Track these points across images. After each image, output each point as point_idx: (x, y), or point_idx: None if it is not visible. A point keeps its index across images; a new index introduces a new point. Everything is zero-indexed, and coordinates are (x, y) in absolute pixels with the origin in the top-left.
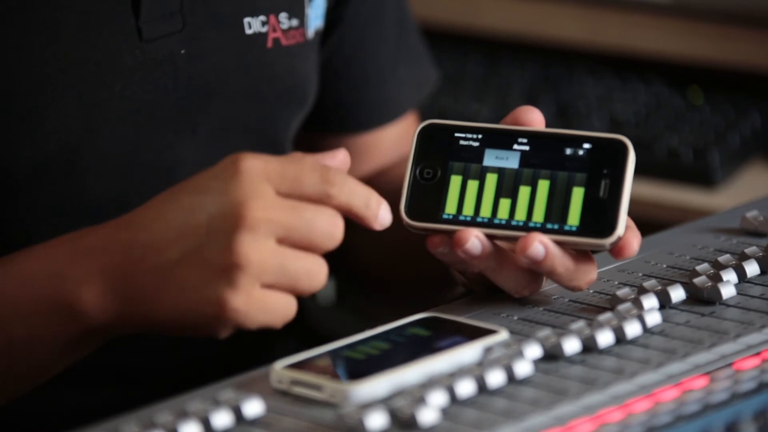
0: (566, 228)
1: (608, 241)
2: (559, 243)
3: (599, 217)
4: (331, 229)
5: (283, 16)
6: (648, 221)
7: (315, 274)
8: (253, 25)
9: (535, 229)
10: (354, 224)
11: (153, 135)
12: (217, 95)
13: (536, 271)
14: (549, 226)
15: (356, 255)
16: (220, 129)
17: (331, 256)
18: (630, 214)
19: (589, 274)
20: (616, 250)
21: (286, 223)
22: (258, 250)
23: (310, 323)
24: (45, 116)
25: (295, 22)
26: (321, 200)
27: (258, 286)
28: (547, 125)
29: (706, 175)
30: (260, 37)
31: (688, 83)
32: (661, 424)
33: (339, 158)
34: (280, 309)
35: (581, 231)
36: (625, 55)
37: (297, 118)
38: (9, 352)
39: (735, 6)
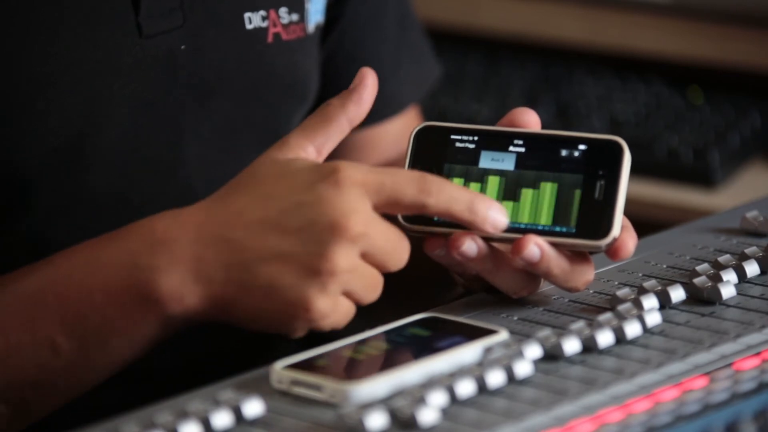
0: (562, 229)
1: (604, 243)
2: (554, 244)
3: (595, 219)
4: (404, 254)
5: (283, 10)
6: (648, 221)
7: (378, 287)
8: (254, 20)
9: (530, 230)
10: None
11: (154, 132)
12: (218, 91)
13: (533, 273)
14: (545, 227)
15: None
16: (221, 125)
17: None
18: (630, 214)
19: (585, 275)
20: (612, 252)
21: (376, 241)
22: (350, 260)
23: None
24: (48, 114)
25: (295, 17)
26: (419, 210)
27: (340, 292)
28: (548, 125)
29: (706, 175)
30: (261, 32)
31: (688, 83)
32: (661, 425)
33: (369, 83)
34: (348, 314)
35: (577, 232)
36: (625, 55)
37: (298, 113)
38: (84, 343)
39: (735, 6)
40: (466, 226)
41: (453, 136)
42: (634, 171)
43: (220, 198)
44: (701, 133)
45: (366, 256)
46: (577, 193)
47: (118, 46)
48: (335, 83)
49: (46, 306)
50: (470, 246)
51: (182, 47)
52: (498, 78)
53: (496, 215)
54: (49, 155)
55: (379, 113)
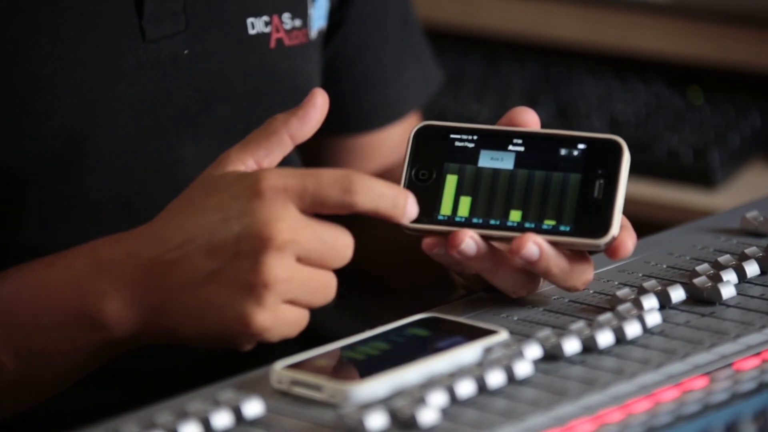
0: (561, 228)
1: (602, 242)
2: (553, 243)
3: (593, 218)
4: (345, 250)
5: (286, 16)
6: (648, 221)
7: (328, 288)
8: (256, 25)
9: (529, 229)
10: (354, 226)
11: (156, 135)
12: (220, 95)
13: (532, 272)
14: (543, 226)
15: (357, 257)
16: (222, 129)
17: None
18: (630, 214)
19: (584, 275)
20: (610, 251)
21: (308, 244)
22: (284, 269)
23: (310, 324)
24: (50, 115)
25: (298, 23)
26: (347, 210)
27: (281, 303)
28: (548, 125)
29: (706, 175)
30: (263, 37)
31: (688, 83)
32: (661, 425)
33: (318, 103)
34: (299, 322)
35: (576, 231)
36: (625, 55)
37: None
38: (29, 362)
39: (735, 6)
40: (385, 220)
41: (452, 136)
42: (634, 171)
43: (158, 221)
44: (701, 133)
45: (303, 260)
46: (576, 192)
47: (121, 49)
48: (337, 88)
49: None
50: (469, 244)
51: (185, 51)
52: (498, 78)
53: (411, 208)
54: (50, 156)
55: (381, 118)
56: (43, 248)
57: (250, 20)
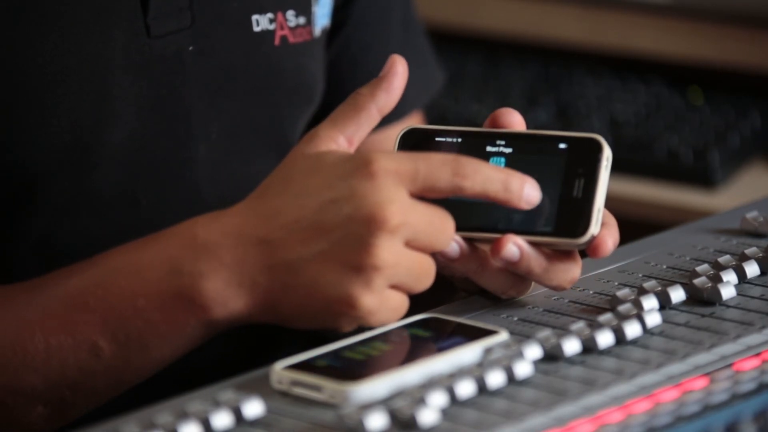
0: (541, 228)
1: (581, 241)
2: (534, 243)
3: (573, 217)
4: (450, 233)
5: (290, 13)
6: (648, 221)
7: (430, 274)
8: (261, 22)
9: (510, 230)
10: None
11: (162, 132)
12: (225, 93)
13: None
14: (524, 227)
15: None
16: (228, 126)
17: None
18: (630, 214)
19: (570, 273)
20: (590, 250)
21: (418, 228)
22: (393, 252)
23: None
24: (59, 111)
25: (302, 20)
26: (455, 193)
27: (387, 286)
28: (548, 126)
29: (706, 176)
30: (268, 34)
31: (688, 83)
32: (661, 425)
33: (399, 71)
34: (400, 307)
35: (555, 231)
36: (625, 55)
37: (304, 116)
38: (126, 346)
39: (735, 6)
40: (502, 205)
41: (438, 138)
42: (634, 171)
43: (256, 199)
44: (701, 133)
45: (410, 244)
46: (557, 191)
47: (127, 45)
48: (340, 87)
49: (88, 309)
50: (452, 247)
51: (190, 48)
52: (498, 78)
53: (529, 191)
54: (58, 153)
55: (383, 118)
56: (50, 243)
57: (254, 17)
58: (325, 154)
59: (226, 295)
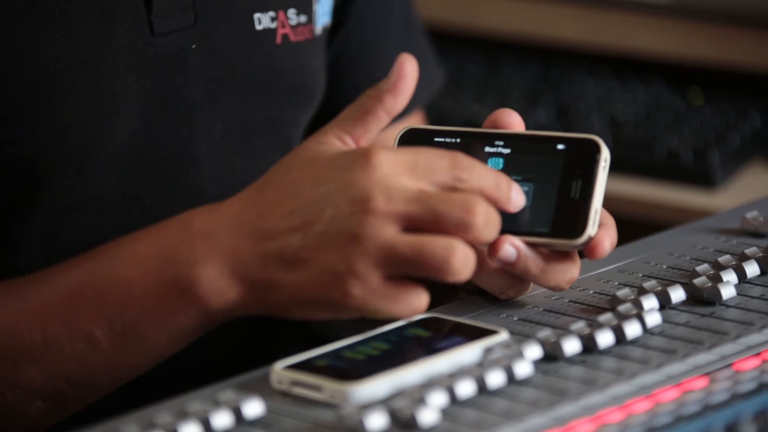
0: (538, 229)
1: (579, 242)
2: (531, 244)
3: (570, 218)
4: (463, 214)
5: (291, 12)
6: (648, 221)
7: (436, 262)
8: (263, 20)
9: (507, 231)
10: None
11: (165, 131)
12: (227, 91)
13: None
14: (521, 227)
15: None
16: (231, 125)
17: None
18: (630, 214)
19: (567, 274)
20: (587, 250)
21: (416, 215)
22: (383, 237)
23: (310, 324)
24: (64, 109)
25: (303, 18)
26: (452, 187)
27: (378, 273)
28: (548, 126)
29: (706, 176)
30: (269, 33)
31: (688, 84)
32: (661, 425)
33: (407, 73)
34: (405, 299)
35: (552, 232)
36: (625, 56)
37: (305, 114)
38: (123, 337)
39: (735, 6)
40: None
41: (436, 139)
42: (634, 171)
43: (254, 189)
44: (701, 133)
45: (413, 229)
46: (555, 192)
47: (131, 44)
48: (340, 85)
49: (84, 299)
50: None
51: (193, 46)
52: (498, 78)
53: (516, 194)
54: (63, 151)
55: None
56: (54, 241)
57: (256, 15)
58: (326, 149)
59: (220, 284)
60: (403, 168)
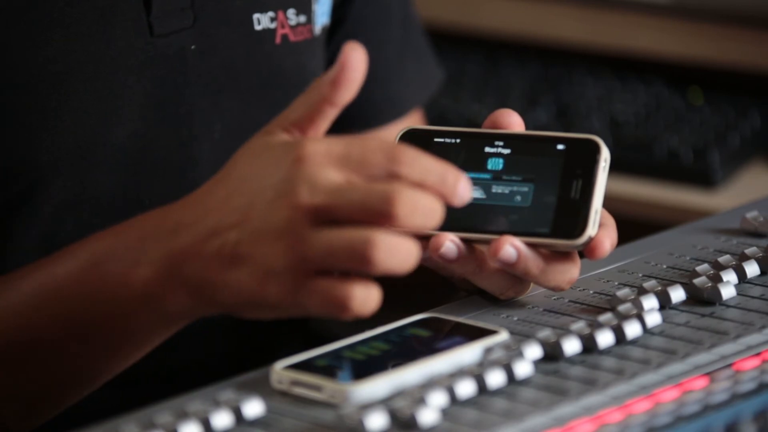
0: (538, 230)
1: (579, 242)
2: (531, 245)
3: (570, 218)
4: (382, 204)
5: (291, 12)
6: (648, 221)
7: (363, 248)
8: (262, 21)
9: (507, 232)
10: None
11: (165, 132)
12: (227, 92)
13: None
14: (521, 228)
15: None
16: (230, 126)
17: None
18: (630, 214)
19: (568, 274)
20: (588, 251)
21: (343, 208)
22: (302, 233)
23: (310, 324)
24: (62, 112)
25: (302, 18)
26: (392, 178)
27: (306, 269)
28: (548, 126)
29: (706, 176)
30: (269, 33)
31: (688, 84)
32: (661, 425)
33: (350, 64)
34: (334, 296)
35: (552, 232)
36: (625, 56)
37: None
38: (85, 341)
39: (735, 6)
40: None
41: (436, 139)
42: (634, 171)
43: (207, 186)
44: (701, 133)
45: (343, 221)
46: (555, 192)
47: (130, 45)
48: None
49: (46, 303)
50: (449, 247)
51: (192, 47)
52: (498, 78)
53: (463, 188)
54: (62, 152)
55: (383, 116)
56: (53, 241)
57: (256, 16)
58: (271, 141)
59: (165, 285)
60: (332, 160)
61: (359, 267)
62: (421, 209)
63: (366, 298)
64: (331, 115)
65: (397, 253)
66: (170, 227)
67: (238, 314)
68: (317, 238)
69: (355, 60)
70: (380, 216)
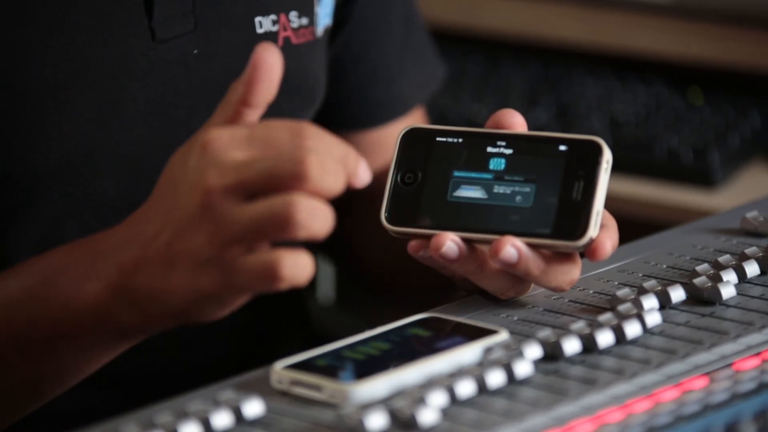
0: (539, 231)
1: (580, 243)
2: (532, 245)
3: (571, 219)
4: (294, 166)
5: (293, 14)
6: (648, 221)
7: (286, 213)
8: (264, 24)
9: (508, 232)
10: (355, 227)
11: (166, 137)
12: None
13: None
14: (523, 228)
15: (363, 259)
16: None
17: (333, 256)
18: (630, 214)
19: (569, 275)
20: (589, 252)
21: (244, 180)
22: (221, 214)
23: (310, 324)
24: (62, 117)
25: (305, 21)
26: (298, 156)
27: (236, 250)
28: (548, 126)
29: (706, 176)
30: (271, 36)
31: (688, 83)
32: (661, 425)
33: (261, 64)
34: (264, 268)
35: (554, 233)
36: (625, 55)
37: (306, 116)
38: (37, 356)
39: (735, 6)
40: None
41: (438, 138)
42: (634, 171)
43: (143, 205)
44: (701, 133)
45: (250, 193)
46: (556, 193)
47: (132, 50)
48: (342, 84)
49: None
50: (450, 247)
51: (194, 51)
52: (498, 78)
53: (363, 170)
54: (62, 158)
55: (385, 114)
56: (54, 246)
57: (258, 19)
58: (188, 143)
59: (112, 299)
60: (236, 143)
61: (284, 232)
62: (331, 170)
63: (296, 263)
64: (250, 116)
65: (318, 213)
66: (118, 243)
67: (194, 321)
68: (238, 215)
69: (268, 60)
70: (292, 178)
